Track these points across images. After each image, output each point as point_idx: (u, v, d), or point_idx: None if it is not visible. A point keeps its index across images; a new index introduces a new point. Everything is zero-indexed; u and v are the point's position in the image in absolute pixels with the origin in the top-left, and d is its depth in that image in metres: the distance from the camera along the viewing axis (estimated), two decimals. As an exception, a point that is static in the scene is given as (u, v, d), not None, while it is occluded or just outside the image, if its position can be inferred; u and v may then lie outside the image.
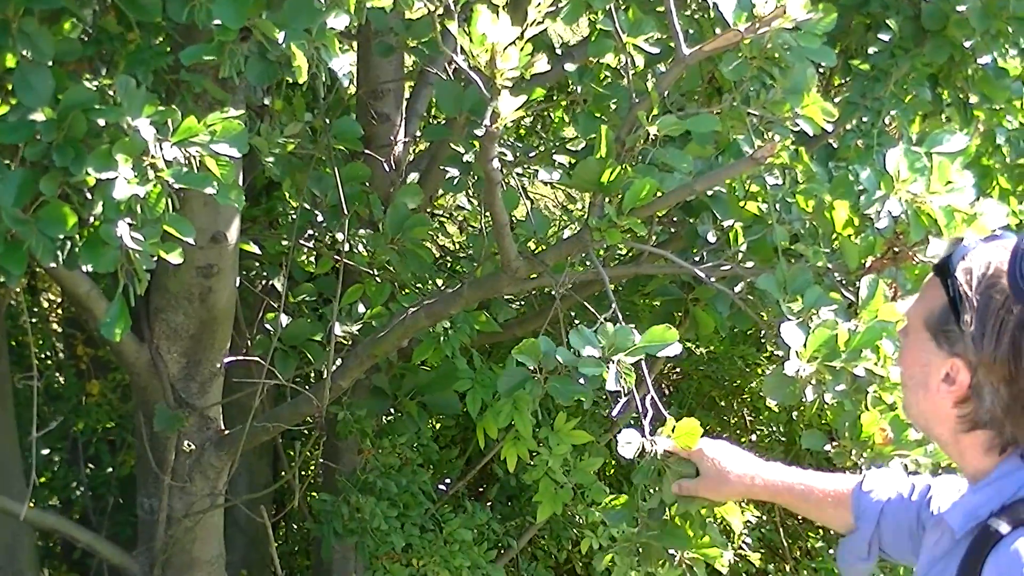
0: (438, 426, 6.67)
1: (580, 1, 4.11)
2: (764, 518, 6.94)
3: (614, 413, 3.73)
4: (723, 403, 7.56)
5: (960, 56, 5.14)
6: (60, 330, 7.34)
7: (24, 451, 5.40)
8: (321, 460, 6.20)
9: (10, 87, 3.43)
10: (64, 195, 3.36)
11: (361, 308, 5.22)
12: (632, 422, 3.96)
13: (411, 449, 5.81)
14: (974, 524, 2.03)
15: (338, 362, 4.89)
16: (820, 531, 7.29)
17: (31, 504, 4.87)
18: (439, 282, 6.01)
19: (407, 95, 5.81)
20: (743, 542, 6.56)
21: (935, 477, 2.54)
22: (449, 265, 6.96)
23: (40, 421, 4.61)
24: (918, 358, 2.13)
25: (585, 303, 4.61)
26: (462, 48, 3.51)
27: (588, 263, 4.51)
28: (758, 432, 7.58)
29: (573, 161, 5.78)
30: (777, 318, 4.12)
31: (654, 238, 4.76)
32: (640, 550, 3.65)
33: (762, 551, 6.97)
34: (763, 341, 5.15)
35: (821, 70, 4.53)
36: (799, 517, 6.86)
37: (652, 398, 3.57)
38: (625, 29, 4.25)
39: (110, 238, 3.33)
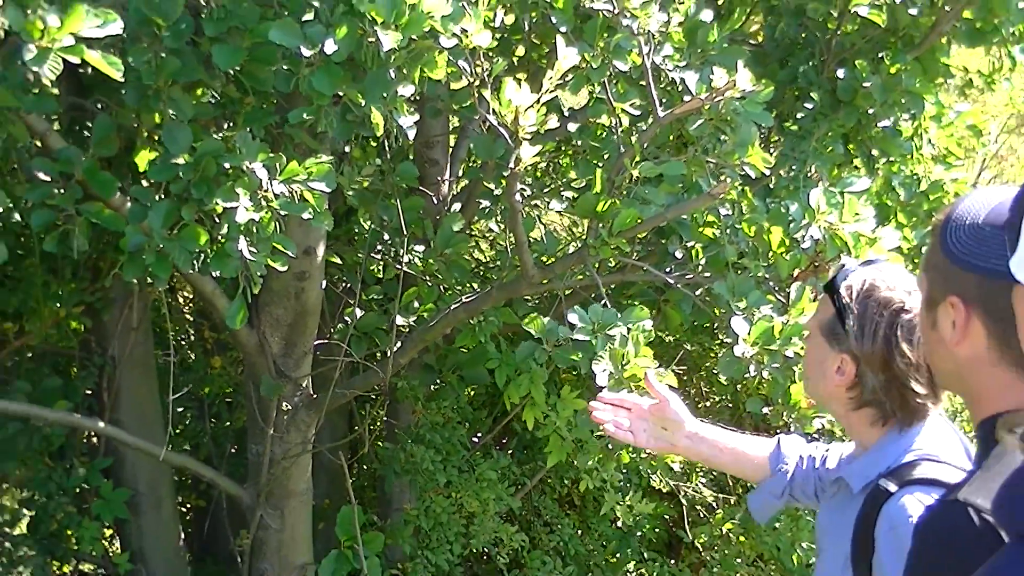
0: (472, 394, 6.65)
1: (582, 76, 4.13)
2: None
3: (598, 381, 3.80)
4: (685, 379, 7.53)
5: (866, 120, 5.15)
6: (191, 319, 7.33)
7: (164, 410, 5.42)
8: (385, 418, 6.21)
9: (159, 139, 3.48)
10: (199, 220, 3.41)
11: (416, 305, 5.24)
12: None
13: (452, 411, 5.80)
14: (866, 483, 2.05)
15: (398, 345, 4.90)
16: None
17: (168, 448, 4.90)
18: (475, 286, 5.99)
19: (452, 145, 5.83)
20: (699, 482, 6.52)
21: (828, 443, 2.54)
22: (482, 273, 6.95)
23: (175, 387, 4.63)
24: (816, 356, 2.16)
25: (583, 303, 4.62)
26: (493, 110, 3.54)
27: (586, 272, 4.53)
28: (711, 400, 7.56)
29: (575, 195, 5.78)
30: (728, 314, 4.14)
31: (635, 254, 4.77)
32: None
33: (711, 488, 6.94)
34: (716, 331, 5.15)
35: (761, 129, 4.53)
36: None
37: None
38: (615, 97, 4.28)
39: (233, 252, 3.37)
